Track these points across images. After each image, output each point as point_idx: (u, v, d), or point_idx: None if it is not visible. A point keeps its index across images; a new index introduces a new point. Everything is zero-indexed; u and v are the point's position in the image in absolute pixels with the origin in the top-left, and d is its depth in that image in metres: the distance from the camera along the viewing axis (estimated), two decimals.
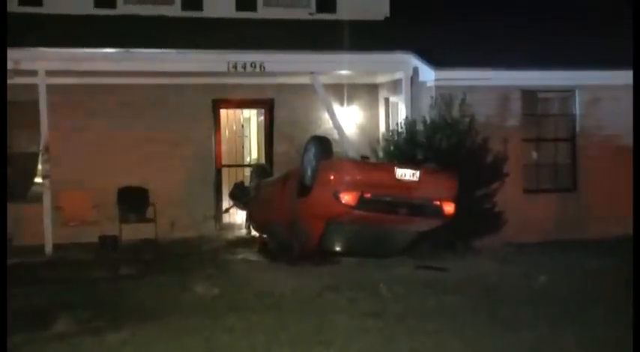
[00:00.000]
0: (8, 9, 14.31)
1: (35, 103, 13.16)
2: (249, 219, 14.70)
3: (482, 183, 12.86)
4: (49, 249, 13.03)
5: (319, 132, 14.50)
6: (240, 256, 12.88)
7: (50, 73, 13.17)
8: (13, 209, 13.85)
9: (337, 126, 14.42)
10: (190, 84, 15.07)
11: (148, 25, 14.52)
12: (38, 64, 13.10)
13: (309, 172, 11.65)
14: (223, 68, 13.66)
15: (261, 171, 14.69)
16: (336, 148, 12.67)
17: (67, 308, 8.65)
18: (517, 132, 14.54)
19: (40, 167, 13.85)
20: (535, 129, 14.99)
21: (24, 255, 12.62)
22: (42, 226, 13.08)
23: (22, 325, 8.03)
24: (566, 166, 15.03)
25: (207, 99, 15.53)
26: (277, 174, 14.28)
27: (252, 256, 12.90)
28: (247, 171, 15.98)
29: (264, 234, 13.67)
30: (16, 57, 12.88)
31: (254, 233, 14.47)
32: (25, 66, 13.01)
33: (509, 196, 13.33)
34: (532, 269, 11.11)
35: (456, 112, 13.14)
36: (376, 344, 7.42)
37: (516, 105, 14.61)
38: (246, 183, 14.93)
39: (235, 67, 13.66)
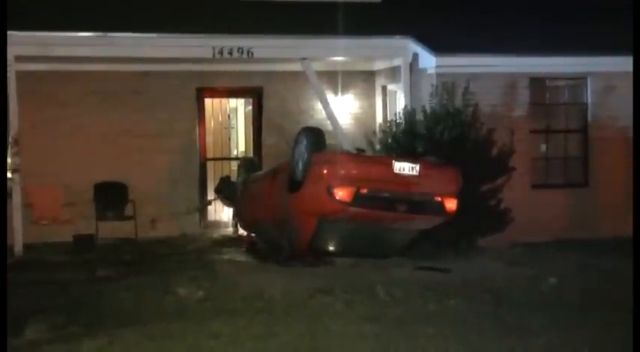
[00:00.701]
0: None
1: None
2: (236, 216, 14.70)
3: (486, 177, 12.86)
4: (18, 249, 12.99)
5: (311, 123, 14.48)
6: (226, 256, 12.86)
7: (20, 59, 13.11)
8: None
9: (331, 116, 14.41)
10: (172, 71, 15.06)
11: (128, 7, 14.40)
12: (7, 49, 13.01)
13: (300, 166, 11.62)
14: (208, 54, 13.65)
15: (249, 164, 14.67)
16: (329, 140, 12.64)
17: (38, 314, 8.62)
18: (524, 122, 14.54)
19: (9, 160, 13.79)
20: (544, 119, 15.02)
21: None
22: (11, 224, 12.98)
23: None
24: (577, 160, 15.05)
25: (191, 88, 15.53)
26: (266, 167, 14.25)
27: (240, 256, 12.88)
28: (234, 165, 15.96)
29: (253, 232, 13.67)
30: None
31: (241, 231, 14.48)
32: None
33: (515, 192, 13.32)
34: (541, 270, 11.11)
35: (458, 101, 13.12)
36: (373, 351, 7.39)
37: (524, 93, 14.61)
38: (233, 177, 14.92)
39: (221, 52, 13.64)
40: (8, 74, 13.00)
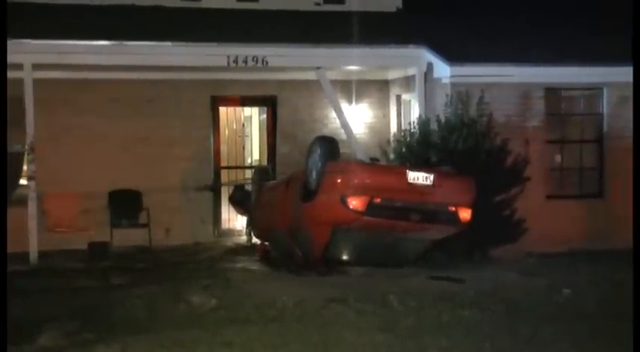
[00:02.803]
0: None
1: (20, 99, 13.14)
2: (250, 224, 14.71)
3: (501, 187, 12.81)
4: (33, 256, 13.01)
5: (325, 132, 14.49)
6: (239, 265, 12.87)
7: (37, 67, 13.15)
8: None
9: (345, 125, 14.40)
10: (188, 79, 15.10)
11: (144, 16, 14.53)
12: (24, 57, 13.07)
13: (314, 175, 11.61)
14: (223, 62, 13.66)
15: (263, 173, 14.66)
16: (343, 149, 12.65)
17: (53, 321, 8.63)
18: (539, 133, 14.51)
19: (25, 168, 13.83)
20: (559, 129, 14.98)
21: (7, 263, 12.61)
22: (27, 232, 13.06)
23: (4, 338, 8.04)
24: (593, 170, 14.98)
25: (206, 96, 15.56)
26: (280, 176, 14.25)
27: (253, 265, 12.88)
28: (248, 174, 15.97)
29: (266, 241, 13.65)
30: None
31: (255, 240, 14.45)
32: (10, 59, 12.97)
33: (530, 202, 13.29)
34: (555, 281, 11.05)
35: (473, 111, 13.10)
36: None
37: (539, 103, 14.58)
38: (248, 186, 14.92)
39: (236, 61, 13.65)
40: (26, 82, 13.10)
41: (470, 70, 13.96)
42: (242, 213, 15.09)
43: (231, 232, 15.85)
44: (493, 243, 12.79)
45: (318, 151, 11.74)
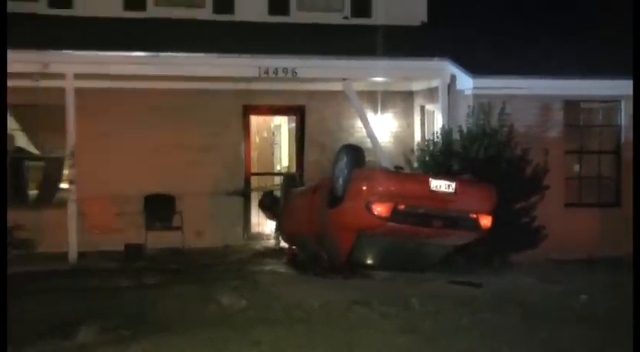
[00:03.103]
0: (38, 11, 14.59)
1: (62, 107, 13.29)
2: (278, 229, 14.73)
3: (521, 195, 12.76)
4: (72, 256, 13.13)
5: (352, 140, 14.51)
6: (268, 267, 12.89)
7: (78, 76, 13.29)
8: (37, 215, 14.12)
9: (370, 134, 14.41)
10: (220, 89, 15.14)
11: (178, 29, 14.64)
12: (67, 67, 13.23)
13: (340, 182, 11.64)
14: (254, 73, 13.74)
15: (290, 180, 14.70)
16: (368, 158, 12.65)
17: (90, 318, 8.68)
18: (559, 143, 14.46)
19: (65, 172, 13.96)
20: (578, 140, 14.91)
21: (47, 263, 12.77)
22: (67, 233, 13.18)
23: (43, 335, 8.14)
24: (610, 180, 14.90)
25: (237, 105, 15.61)
26: (308, 183, 14.29)
27: (281, 268, 12.89)
28: (277, 180, 16.02)
29: (294, 245, 13.69)
30: (45, 59, 13.08)
31: (283, 244, 14.48)
32: (53, 69, 13.16)
33: (549, 210, 13.21)
34: (572, 286, 11.01)
35: (494, 122, 13.06)
36: None
37: (558, 115, 14.54)
38: (276, 192, 14.97)
39: (267, 72, 13.71)
40: (67, 91, 13.21)
41: (492, 83, 13.92)
42: (271, 218, 15.12)
43: (260, 236, 15.89)
44: (513, 249, 12.75)
45: (344, 159, 11.77)
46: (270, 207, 14.81)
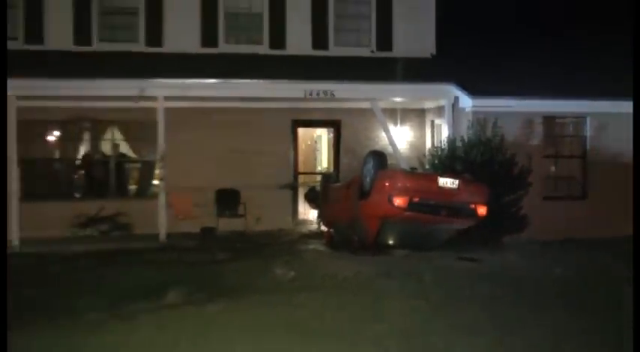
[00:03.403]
0: (136, 49, 14.70)
1: (154, 122, 13.37)
2: (319, 216, 14.70)
3: (510, 190, 12.60)
4: (162, 236, 13.20)
5: (377, 147, 14.41)
6: (311, 246, 12.85)
7: (167, 98, 13.35)
8: (134, 205, 14.25)
9: (391, 142, 14.31)
10: (274, 107, 15.13)
11: (243, 61, 14.64)
12: (158, 91, 13.30)
13: (368, 180, 11.56)
14: (301, 95, 13.69)
15: (327, 178, 14.68)
16: (390, 161, 12.59)
17: (175, 284, 8.73)
18: (539, 149, 14.32)
19: (157, 172, 14.05)
20: (553, 147, 14.73)
21: (143, 241, 12.88)
22: (157, 219, 13.26)
23: (141, 297, 8.20)
24: (579, 179, 14.68)
25: (287, 120, 15.58)
26: (342, 180, 14.24)
27: (321, 247, 12.84)
28: (318, 178, 15.98)
29: (331, 229, 13.63)
30: (142, 86, 13.16)
31: (323, 228, 14.44)
32: (148, 93, 13.24)
33: (532, 202, 13.04)
34: (550, 262, 10.81)
35: (489, 133, 12.92)
36: (420, 321, 7.32)
37: (538, 127, 14.42)
38: (318, 187, 14.93)
39: (310, 94, 13.66)
40: (159, 110, 13.26)
41: (487, 102, 13.81)
42: (313, 208, 15.09)
43: (305, 221, 15.83)
44: (504, 232, 12.59)
45: (371, 162, 11.69)
46: (312, 199, 14.78)
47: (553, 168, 14.78)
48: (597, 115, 14.44)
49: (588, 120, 14.59)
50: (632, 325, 6.19)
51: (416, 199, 11.00)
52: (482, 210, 11.42)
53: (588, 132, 14.63)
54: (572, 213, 14.11)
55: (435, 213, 11.11)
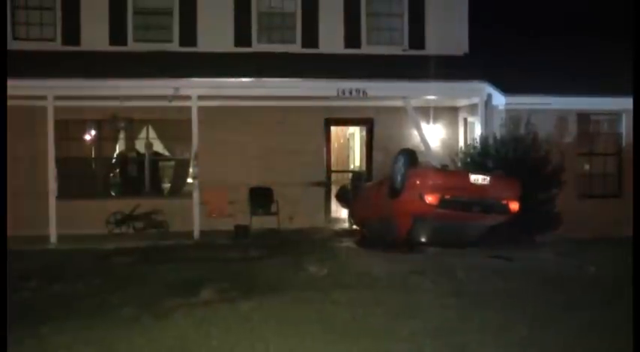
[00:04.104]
0: (170, 49, 14.87)
1: (188, 121, 13.50)
2: (351, 215, 14.70)
3: (543, 188, 12.51)
4: (196, 234, 13.32)
5: (409, 145, 14.33)
6: (344, 244, 12.86)
7: (200, 97, 13.47)
8: (170, 202, 14.40)
9: (424, 140, 14.27)
10: (307, 106, 15.13)
11: (276, 59, 14.69)
12: (192, 91, 13.44)
13: (399, 178, 11.54)
14: (333, 93, 13.72)
15: (358, 177, 14.70)
16: (421, 159, 12.56)
17: (209, 281, 8.80)
18: (572, 147, 14.16)
19: (191, 170, 14.20)
20: (588, 145, 14.57)
21: (178, 238, 13.02)
22: (192, 216, 13.39)
23: (175, 293, 8.28)
24: (614, 176, 14.53)
25: (320, 118, 15.59)
26: (375, 179, 14.23)
27: (353, 245, 12.84)
28: (349, 177, 15.97)
29: (363, 227, 13.64)
30: (176, 85, 13.31)
31: (355, 226, 14.45)
32: (182, 92, 13.39)
33: (566, 200, 12.93)
34: (583, 260, 10.71)
35: (522, 130, 12.85)
36: (453, 319, 7.31)
37: (572, 125, 14.25)
38: (349, 187, 14.93)
39: (343, 92, 13.69)
40: (192, 108, 13.40)
41: (520, 100, 13.72)
42: (345, 207, 15.11)
43: (337, 220, 15.85)
44: (537, 230, 12.48)
45: (401, 160, 11.66)
46: (343, 198, 14.79)
47: (587, 166, 14.61)
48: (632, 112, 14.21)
49: (624, 116, 14.38)
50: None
51: (447, 196, 10.97)
52: (514, 206, 11.34)
53: (624, 129, 14.44)
54: (608, 211, 13.93)
55: (466, 209, 11.07)
